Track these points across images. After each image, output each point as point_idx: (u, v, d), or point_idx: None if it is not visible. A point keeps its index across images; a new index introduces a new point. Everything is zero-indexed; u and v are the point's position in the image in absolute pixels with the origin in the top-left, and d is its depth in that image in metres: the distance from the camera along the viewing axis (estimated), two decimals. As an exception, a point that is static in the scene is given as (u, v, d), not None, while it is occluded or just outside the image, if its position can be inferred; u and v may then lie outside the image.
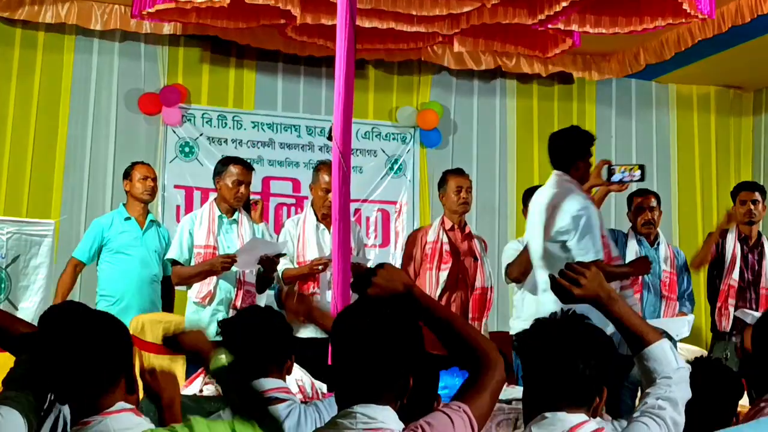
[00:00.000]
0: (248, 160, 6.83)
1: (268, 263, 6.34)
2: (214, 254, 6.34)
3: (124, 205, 7.17)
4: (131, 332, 6.12)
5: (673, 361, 2.84)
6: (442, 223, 6.93)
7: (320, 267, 6.44)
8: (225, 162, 6.60)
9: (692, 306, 7.21)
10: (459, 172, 7.02)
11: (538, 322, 2.77)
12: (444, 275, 6.78)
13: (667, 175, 10.62)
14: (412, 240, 7.10)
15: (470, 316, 6.82)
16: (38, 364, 2.69)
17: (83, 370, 2.59)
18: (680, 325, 6.66)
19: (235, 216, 6.52)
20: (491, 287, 6.98)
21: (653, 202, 7.16)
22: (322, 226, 6.60)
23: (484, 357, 2.69)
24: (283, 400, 3.59)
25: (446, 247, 6.81)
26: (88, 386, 2.59)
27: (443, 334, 2.75)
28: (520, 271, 6.70)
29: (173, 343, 3.24)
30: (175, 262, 6.44)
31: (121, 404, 2.60)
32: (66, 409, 2.88)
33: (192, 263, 6.38)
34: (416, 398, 2.63)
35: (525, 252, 6.70)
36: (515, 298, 7.03)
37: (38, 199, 8.75)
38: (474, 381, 2.67)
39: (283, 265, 6.52)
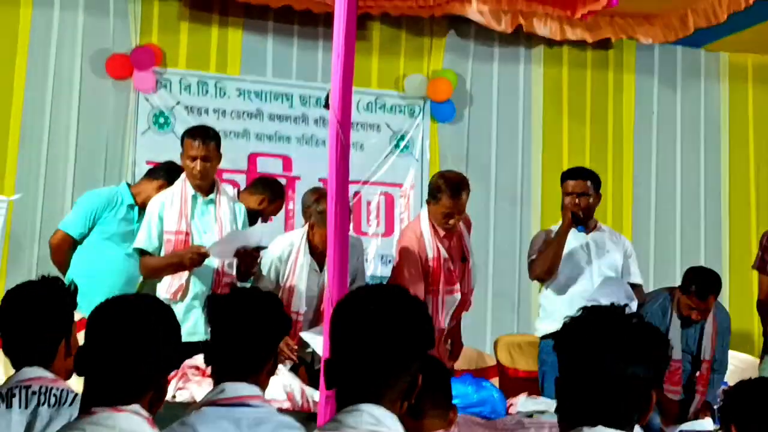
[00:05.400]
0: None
1: (246, 257, 6.28)
2: (187, 241, 6.27)
3: (129, 185, 7.11)
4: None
5: None
6: (434, 230, 6.55)
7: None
8: (183, 134, 6.53)
9: (724, 371, 7.17)
10: (455, 191, 6.45)
11: (591, 310, 2.66)
12: (452, 300, 6.56)
13: (716, 159, 10.60)
14: (406, 251, 6.62)
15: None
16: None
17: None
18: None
19: (212, 195, 6.42)
20: (473, 287, 6.83)
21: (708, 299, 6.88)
22: (316, 265, 6.38)
23: None
24: None
25: (449, 264, 6.57)
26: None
27: None
28: (543, 268, 6.71)
29: None
30: (143, 252, 6.37)
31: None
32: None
33: (162, 252, 6.32)
34: (426, 402, 2.62)
35: (551, 247, 6.69)
36: (541, 296, 7.03)
37: (-12, 173, 8.73)
38: None
39: None
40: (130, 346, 2.85)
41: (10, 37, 8.93)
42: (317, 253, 6.32)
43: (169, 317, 3.01)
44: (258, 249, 6.33)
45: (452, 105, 9.99)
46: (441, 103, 9.95)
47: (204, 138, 6.38)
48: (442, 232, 6.55)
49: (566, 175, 7.02)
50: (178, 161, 6.97)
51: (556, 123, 10.21)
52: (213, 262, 6.27)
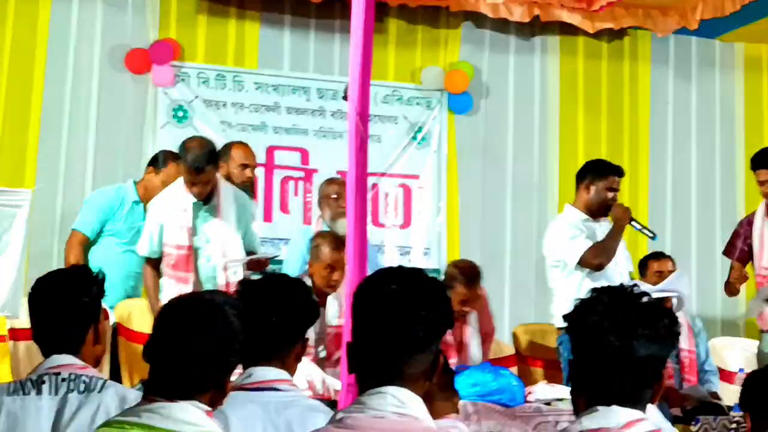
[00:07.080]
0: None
1: (256, 266, 6.30)
2: (189, 256, 6.28)
3: (136, 183, 7.17)
4: (117, 320, 6.23)
5: None
6: None
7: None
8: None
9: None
10: (470, 280, 6.79)
11: (601, 290, 2.70)
12: None
13: (731, 149, 10.58)
14: None
15: None
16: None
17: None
18: (680, 283, 6.76)
19: (213, 201, 6.41)
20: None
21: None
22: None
23: None
24: None
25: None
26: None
27: None
28: (598, 259, 6.69)
29: None
30: (147, 259, 6.44)
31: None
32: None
33: (164, 261, 6.37)
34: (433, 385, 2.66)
35: (612, 240, 6.70)
36: (559, 278, 6.90)
37: (9, 165, 8.74)
38: None
39: None
40: (196, 344, 2.84)
41: (30, 31, 8.94)
42: (319, 294, 6.05)
43: (238, 317, 2.96)
44: (269, 259, 6.41)
45: (469, 96, 10.00)
46: (458, 94, 9.94)
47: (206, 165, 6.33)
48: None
49: (611, 170, 6.96)
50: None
51: (572, 113, 10.21)
52: (219, 274, 6.34)
